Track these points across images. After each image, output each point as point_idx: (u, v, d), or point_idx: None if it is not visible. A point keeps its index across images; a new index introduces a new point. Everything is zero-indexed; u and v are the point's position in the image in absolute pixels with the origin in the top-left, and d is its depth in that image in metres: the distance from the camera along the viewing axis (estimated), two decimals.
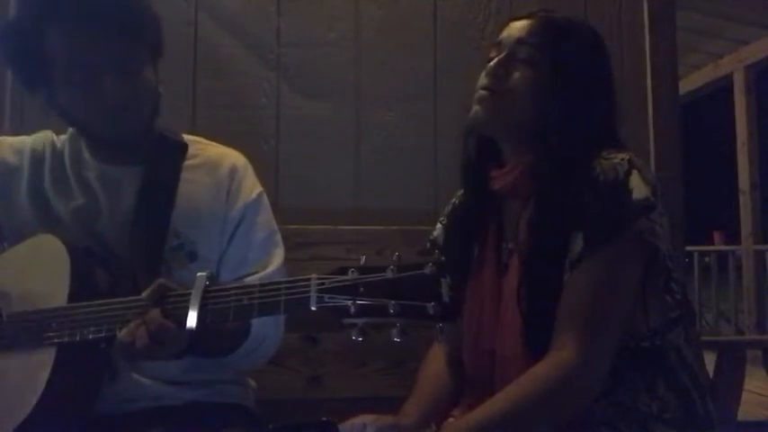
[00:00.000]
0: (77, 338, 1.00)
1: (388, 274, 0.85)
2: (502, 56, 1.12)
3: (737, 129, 5.22)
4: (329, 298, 0.87)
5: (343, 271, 0.88)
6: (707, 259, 5.79)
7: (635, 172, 1.04)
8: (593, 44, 1.16)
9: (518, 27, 1.14)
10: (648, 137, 1.92)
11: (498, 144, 1.18)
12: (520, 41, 1.12)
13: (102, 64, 1.10)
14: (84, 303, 1.02)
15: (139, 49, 1.14)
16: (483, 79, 1.14)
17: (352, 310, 0.85)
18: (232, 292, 0.96)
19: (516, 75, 1.11)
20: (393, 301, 0.84)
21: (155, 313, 0.96)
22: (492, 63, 1.13)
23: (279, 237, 1.29)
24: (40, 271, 1.11)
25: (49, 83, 1.13)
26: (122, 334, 0.97)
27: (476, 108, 1.13)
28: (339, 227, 1.80)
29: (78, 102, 1.14)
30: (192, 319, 0.94)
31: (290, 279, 0.92)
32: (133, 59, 1.13)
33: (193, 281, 0.98)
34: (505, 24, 1.17)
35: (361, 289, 0.86)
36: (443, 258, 0.86)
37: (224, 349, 1.16)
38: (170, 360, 1.02)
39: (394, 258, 0.87)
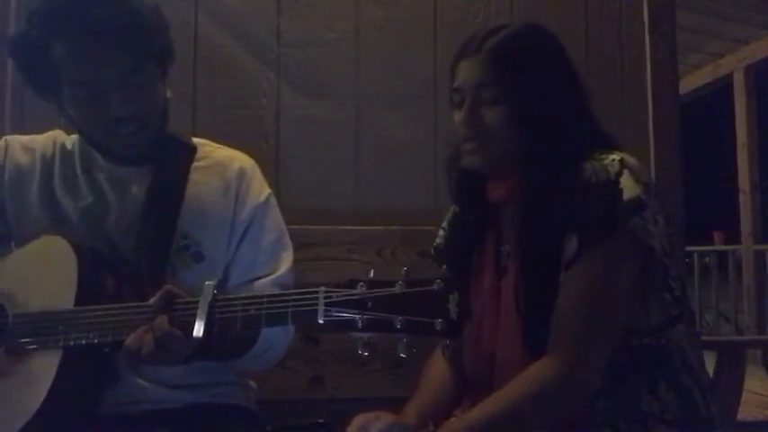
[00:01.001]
0: (83, 342, 1.01)
1: (397, 290, 0.85)
2: (468, 103, 1.11)
3: (737, 129, 5.20)
4: (336, 311, 0.87)
5: (352, 284, 0.88)
6: (707, 259, 5.78)
7: (626, 172, 1.04)
8: (551, 53, 1.13)
9: (471, 69, 1.11)
10: (648, 137, 1.93)
11: None
12: (479, 85, 1.09)
13: (107, 81, 1.09)
14: (92, 307, 1.02)
15: (146, 63, 1.13)
16: (461, 130, 1.12)
17: (360, 324, 0.86)
18: (239, 301, 0.96)
19: (489, 116, 1.09)
20: (400, 317, 0.84)
21: (162, 320, 0.96)
22: (463, 114, 1.11)
23: (287, 239, 1.29)
24: (48, 272, 1.11)
25: (58, 95, 1.13)
26: (129, 340, 0.97)
27: (468, 159, 1.13)
28: (339, 227, 1.79)
29: (84, 116, 1.14)
30: (198, 329, 0.94)
31: (298, 291, 0.92)
32: (139, 75, 1.12)
33: (198, 282, 0.98)
34: (456, 66, 1.14)
35: (369, 303, 0.86)
36: (450, 272, 0.85)
37: (232, 354, 1.16)
38: (176, 365, 1.02)
39: (402, 273, 0.87)
